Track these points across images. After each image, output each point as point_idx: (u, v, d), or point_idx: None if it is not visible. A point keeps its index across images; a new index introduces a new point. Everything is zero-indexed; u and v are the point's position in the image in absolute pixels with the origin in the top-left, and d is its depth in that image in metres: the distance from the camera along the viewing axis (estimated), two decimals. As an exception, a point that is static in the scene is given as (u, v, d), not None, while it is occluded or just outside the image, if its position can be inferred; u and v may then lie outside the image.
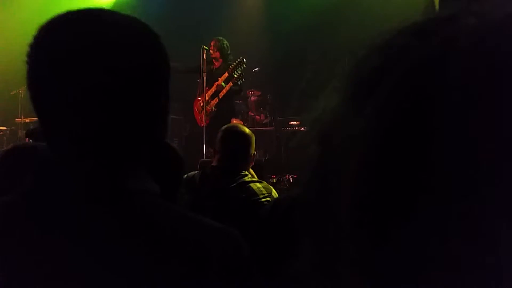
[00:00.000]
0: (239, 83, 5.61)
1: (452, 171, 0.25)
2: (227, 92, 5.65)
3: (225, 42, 5.78)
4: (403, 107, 0.27)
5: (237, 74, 5.54)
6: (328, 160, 0.32)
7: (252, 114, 7.20)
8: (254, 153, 2.47)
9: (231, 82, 5.57)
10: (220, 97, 5.68)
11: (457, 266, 0.25)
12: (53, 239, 0.65)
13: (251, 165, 2.47)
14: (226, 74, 5.58)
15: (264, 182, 2.47)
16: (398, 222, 0.27)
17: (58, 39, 0.68)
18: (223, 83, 5.57)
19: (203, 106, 5.70)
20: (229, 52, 5.79)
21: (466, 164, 0.25)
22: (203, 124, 5.63)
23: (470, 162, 0.25)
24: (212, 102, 5.76)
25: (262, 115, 7.25)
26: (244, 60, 5.57)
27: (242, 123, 5.98)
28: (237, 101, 6.54)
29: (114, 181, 0.69)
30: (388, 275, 0.27)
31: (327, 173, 0.31)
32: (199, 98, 5.85)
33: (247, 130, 2.53)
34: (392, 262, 0.27)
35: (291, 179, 5.69)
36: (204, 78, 5.64)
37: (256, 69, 6.69)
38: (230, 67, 5.57)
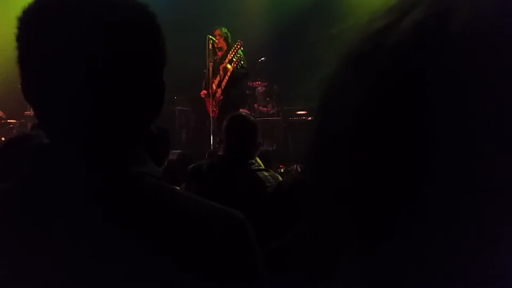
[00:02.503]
0: (238, 66, 5.63)
1: (450, 160, 0.23)
2: (233, 77, 5.66)
3: (225, 29, 5.84)
4: (401, 80, 0.26)
5: (236, 57, 5.58)
6: (325, 134, 0.30)
7: (259, 105, 7.19)
8: (260, 141, 2.48)
9: (231, 67, 5.61)
10: (223, 85, 5.71)
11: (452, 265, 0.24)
12: (54, 225, 0.65)
13: (257, 154, 2.48)
14: (227, 60, 5.64)
15: (271, 170, 2.48)
16: (396, 205, 0.25)
17: (53, 19, 0.66)
18: (228, 65, 5.61)
19: (211, 95, 5.73)
20: (230, 40, 5.84)
21: (465, 155, 0.23)
22: (213, 115, 5.68)
23: (469, 154, 0.23)
24: (218, 91, 5.79)
25: (269, 105, 7.23)
26: (241, 42, 5.63)
27: (249, 113, 5.99)
28: (246, 90, 6.56)
29: (116, 164, 0.68)
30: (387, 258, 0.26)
31: (325, 148, 0.30)
32: (208, 89, 5.88)
33: (251, 118, 2.53)
34: (390, 246, 0.26)
35: (299, 169, 5.69)
36: (210, 68, 5.66)
37: (263, 58, 6.67)
38: (230, 52, 5.62)
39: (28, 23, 0.68)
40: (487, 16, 0.24)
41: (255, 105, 7.17)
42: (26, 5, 0.67)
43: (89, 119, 0.68)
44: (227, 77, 5.66)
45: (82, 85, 0.66)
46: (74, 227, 0.65)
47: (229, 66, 5.62)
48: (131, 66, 0.68)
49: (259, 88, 7.22)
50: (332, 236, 0.29)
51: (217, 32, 5.79)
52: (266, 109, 7.18)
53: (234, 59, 5.60)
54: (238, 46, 5.62)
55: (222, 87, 5.75)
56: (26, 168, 0.70)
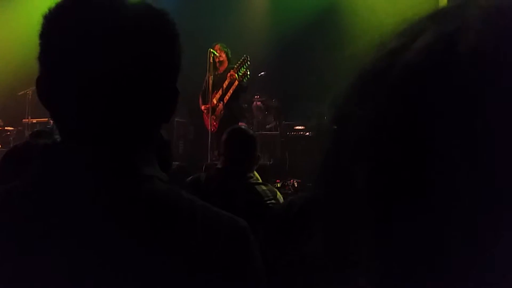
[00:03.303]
0: (244, 80, 5.66)
1: (454, 166, 0.26)
2: (234, 92, 5.69)
3: (225, 45, 5.89)
4: (413, 95, 0.28)
5: (242, 71, 5.60)
6: (341, 144, 0.33)
7: (257, 119, 7.21)
8: (258, 155, 2.48)
9: (237, 81, 5.62)
10: (226, 100, 5.72)
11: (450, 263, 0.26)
12: (62, 224, 0.65)
13: (255, 167, 2.48)
14: (232, 72, 5.64)
15: (269, 185, 2.48)
16: (404, 205, 0.27)
17: (76, 20, 0.69)
18: (237, 74, 5.60)
19: (211, 110, 5.74)
20: (230, 55, 5.88)
21: (468, 163, 0.25)
22: (212, 129, 5.68)
23: (471, 163, 0.25)
24: (220, 105, 5.81)
25: (267, 120, 7.25)
26: (248, 57, 5.63)
27: (248, 126, 6.00)
28: (244, 104, 6.57)
29: (126, 166, 0.69)
30: (396, 261, 0.28)
31: (341, 156, 0.32)
32: (207, 103, 5.89)
33: (251, 132, 2.54)
34: (400, 247, 0.28)
35: (295, 183, 5.69)
36: (211, 82, 5.69)
37: (262, 73, 6.70)
38: (235, 65, 5.63)
39: (52, 22, 0.69)
40: (492, 39, 0.26)
41: (253, 119, 7.20)
42: (53, 4, 0.70)
43: (101, 119, 0.69)
44: (231, 91, 5.67)
45: (96, 86, 0.68)
46: (83, 227, 0.65)
47: (237, 75, 5.62)
48: (146, 70, 0.70)
49: (258, 102, 7.24)
50: (350, 226, 0.31)
51: (218, 47, 5.83)
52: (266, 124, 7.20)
53: (240, 73, 5.60)
54: (246, 60, 5.63)
55: (225, 101, 5.76)
56: (34, 167, 0.71)
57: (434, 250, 0.26)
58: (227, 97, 5.73)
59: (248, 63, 5.65)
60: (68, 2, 0.70)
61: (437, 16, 0.31)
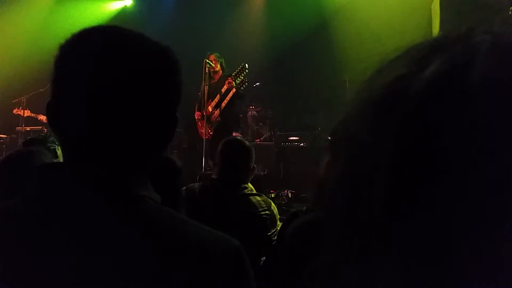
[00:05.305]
0: (241, 88, 5.67)
1: (460, 180, 0.28)
2: (231, 99, 5.69)
3: (219, 54, 5.92)
4: (426, 121, 0.30)
5: (240, 79, 5.61)
6: (355, 162, 0.34)
7: (252, 129, 7.22)
8: (253, 166, 2.48)
9: (234, 89, 5.63)
10: (222, 106, 5.72)
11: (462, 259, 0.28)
12: (62, 242, 0.66)
13: (250, 178, 2.48)
14: (230, 79, 5.64)
15: (264, 195, 2.48)
16: (421, 211, 0.30)
17: (86, 52, 0.75)
18: (234, 82, 5.60)
19: (206, 117, 5.73)
20: (224, 64, 5.91)
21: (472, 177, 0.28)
22: (207, 137, 5.66)
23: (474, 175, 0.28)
24: (216, 112, 5.81)
25: (262, 130, 7.27)
26: (246, 65, 5.64)
27: (242, 136, 6.00)
28: (239, 114, 6.58)
29: (120, 186, 0.71)
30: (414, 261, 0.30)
31: (356, 173, 0.34)
32: (202, 112, 5.89)
33: (247, 142, 2.54)
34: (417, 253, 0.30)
35: (289, 194, 5.68)
36: (206, 91, 5.69)
37: (257, 83, 6.74)
38: (233, 74, 5.64)
39: (67, 50, 0.75)
40: (501, 70, 0.28)
41: (248, 129, 7.21)
42: (70, 35, 0.76)
43: (104, 143, 0.73)
44: (228, 98, 5.67)
45: (103, 114, 0.72)
46: (76, 245, 0.66)
47: (235, 83, 5.61)
48: (150, 101, 0.75)
49: (253, 112, 7.26)
50: (368, 239, 0.33)
51: (212, 57, 5.84)
52: (258, 138, 7.21)
53: (238, 81, 5.61)
54: (244, 69, 5.65)
55: (222, 107, 5.75)
56: (31, 185, 0.73)
57: (443, 254, 0.29)
58: (223, 104, 5.73)
59: (246, 71, 5.66)
60: (83, 33, 0.76)
61: (442, 45, 0.32)
